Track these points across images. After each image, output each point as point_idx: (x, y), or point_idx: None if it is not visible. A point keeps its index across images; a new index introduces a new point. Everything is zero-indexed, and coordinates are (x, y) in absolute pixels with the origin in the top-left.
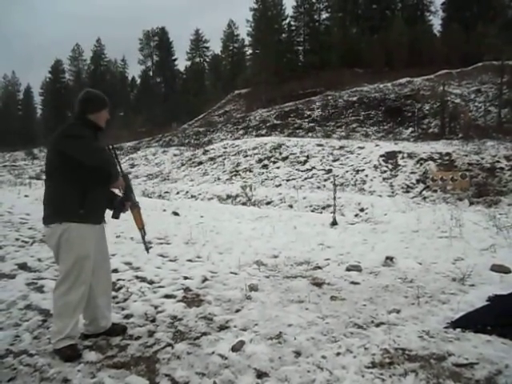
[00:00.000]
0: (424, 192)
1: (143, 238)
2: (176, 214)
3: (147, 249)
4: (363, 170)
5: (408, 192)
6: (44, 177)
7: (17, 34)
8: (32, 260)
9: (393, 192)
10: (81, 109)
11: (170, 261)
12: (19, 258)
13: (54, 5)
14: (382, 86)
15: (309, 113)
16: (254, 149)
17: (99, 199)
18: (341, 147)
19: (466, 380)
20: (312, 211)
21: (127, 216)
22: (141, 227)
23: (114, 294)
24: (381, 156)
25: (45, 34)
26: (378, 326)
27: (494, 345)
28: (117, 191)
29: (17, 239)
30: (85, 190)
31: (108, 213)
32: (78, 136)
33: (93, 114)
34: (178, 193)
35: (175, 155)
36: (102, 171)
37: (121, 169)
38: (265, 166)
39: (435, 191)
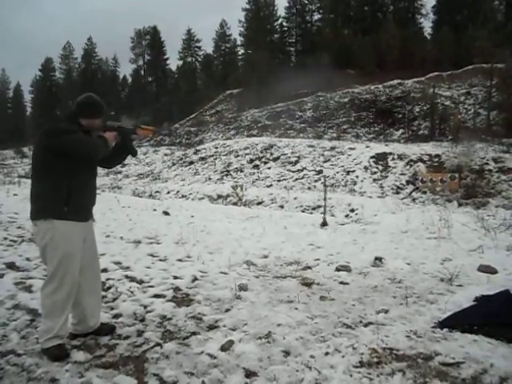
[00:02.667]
0: (413, 193)
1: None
2: (166, 213)
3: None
4: (354, 170)
5: (398, 193)
6: (30, 174)
7: (12, 32)
8: (20, 259)
9: (383, 193)
10: (76, 110)
11: (160, 260)
12: (7, 258)
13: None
14: (373, 87)
15: (300, 113)
16: (245, 149)
17: (85, 197)
18: (332, 148)
19: (453, 379)
20: (303, 211)
21: (117, 215)
22: (154, 131)
23: (103, 293)
24: (371, 157)
25: (40, 33)
26: (366, 325)
27: (480, 344)
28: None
29: (5, 238)
30: (70, 188)
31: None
32: (65, 131)
33: (85, 119)
34: (168, 192)
35: (166, 155)
36: (92, 161)
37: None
38: (256, 167)
39: (424, 192)
